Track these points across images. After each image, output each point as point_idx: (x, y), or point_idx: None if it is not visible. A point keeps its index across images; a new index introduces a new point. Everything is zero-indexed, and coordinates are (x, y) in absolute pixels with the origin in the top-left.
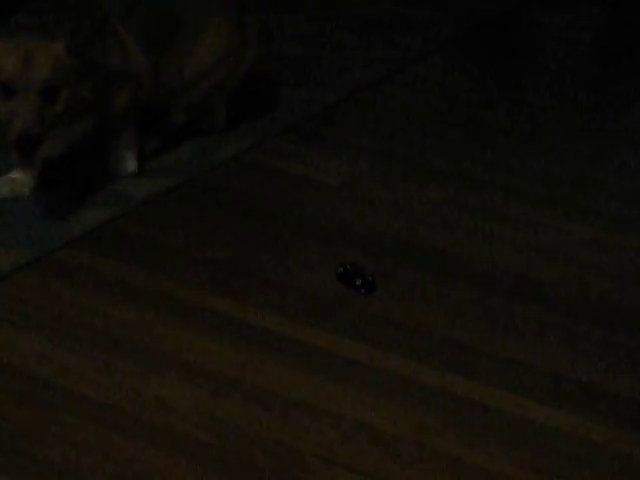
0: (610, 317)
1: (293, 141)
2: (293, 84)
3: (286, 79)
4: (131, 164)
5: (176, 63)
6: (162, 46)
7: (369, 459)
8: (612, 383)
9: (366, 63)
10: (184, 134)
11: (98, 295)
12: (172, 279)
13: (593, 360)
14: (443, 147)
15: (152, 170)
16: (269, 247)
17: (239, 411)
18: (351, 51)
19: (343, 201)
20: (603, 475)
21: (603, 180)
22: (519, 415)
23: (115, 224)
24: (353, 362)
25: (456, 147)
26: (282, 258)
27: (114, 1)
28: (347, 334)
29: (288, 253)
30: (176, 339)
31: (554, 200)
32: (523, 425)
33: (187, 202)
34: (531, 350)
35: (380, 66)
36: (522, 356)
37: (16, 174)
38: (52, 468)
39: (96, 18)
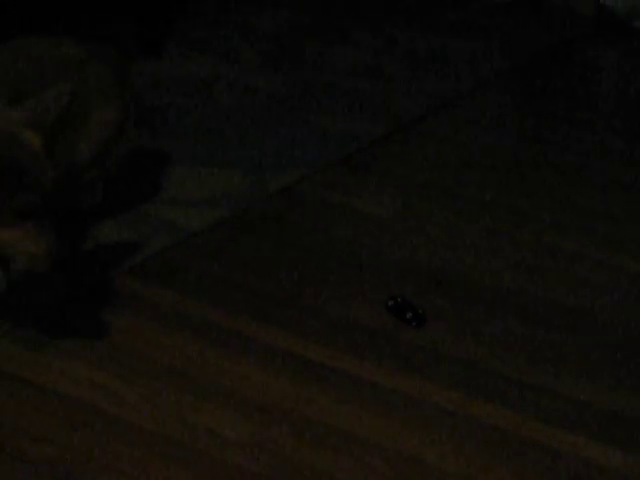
0: None
1: (344, 173)
2: (344, 116)
3: (338, 111)
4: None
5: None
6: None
7: None
8: None
9: (416, 96)
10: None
11: (149, 324)
12: (223, 310)
13: None
14: (493, 180)
15: (203, 201)
16: (320, 279)
17: (289, 443)
18: (402, 84)
19: (393, 233)
20: None
21: None
22: (571, 454)
23: (168, 254)
24: (402, 394)
25: (506, 181)
26: (333, 290)
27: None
28: (396, 366)
29: (338, 285)
30: (227, 370)
31: (603, 234)
32: (576, 464)
33: (239, 233)
34: (585, 387)
35: (430, 99)
36: (576, 392)
37: None
38: None
39: None
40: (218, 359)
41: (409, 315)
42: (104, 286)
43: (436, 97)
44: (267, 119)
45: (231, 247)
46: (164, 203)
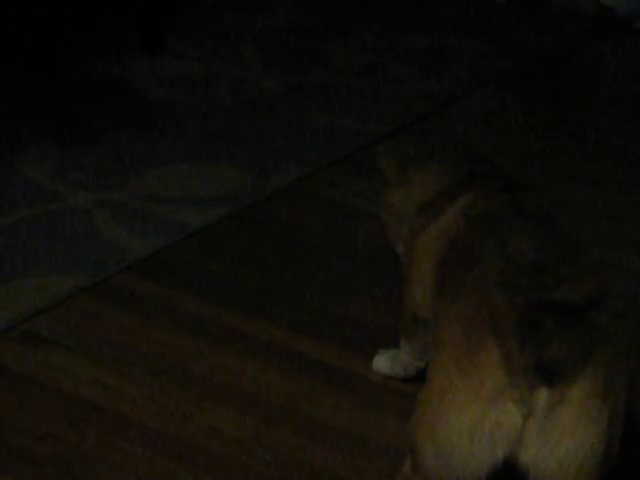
0: None
1: (345, 171)
2: (343, 115)
3: (340, 109)
4: None
5: None
6: None
7: None
8: None
9: (419, 94)
10: None
11: (152, 322)
12: (224, 307)
13: None
14: None
15: (205, 199)
16: (321, 277)
17: (291, 441)
18: (404, 83)
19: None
20: None
21: None
22: None
23: (169, 252)
24: (399, 392)
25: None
26: (333, 288)
27: None
28: None
29: (338, 283)
30: (228, 367)
31: (603, 233)
32: None
33: (240, 231)
34: None
35: (433, 97)
36: None
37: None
38: None
39: None
40: (218, 356)
41: None
42: (104, 284)
43: (437, 96)
44: (268, 117)
45: (231, 245)
46: (165, 201)
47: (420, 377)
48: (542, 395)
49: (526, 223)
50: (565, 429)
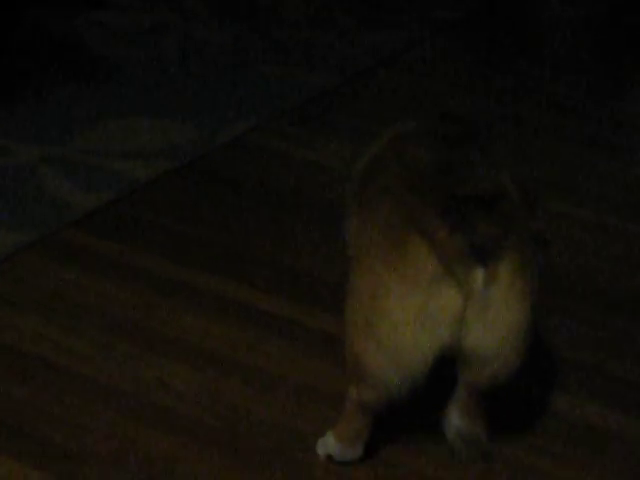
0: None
1: (293, 124)
2: (292, 67)
3: (288, 62)
4: None
5: None
6: None
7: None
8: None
9: (368, 46)
10: None
11: (98, 276)
12: (173, 261)
13: None
14: None
15: (152, 152)
16: (270, 230)
17: (240, 393)
18: (352, 34)
19: (342, 184)
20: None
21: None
22: None
23: (116, 206)
24: None
25: None
26: (283, 241)
27: None
28: None
29: (289, 236)
30: (176, 321)
31: (550, 182)
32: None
33: (188, 184)
34: None
35: (380, 49)
36: None
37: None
38: (54, 449)
39: None
40: (168, 311)
41: None
42: (51, 239)
43: (386, 47)
44: (216, 69)
45: (179, 198)
46: (112, 155)
47: None
48: (479, 275)
49: (428, 139)
50: (499, 307)
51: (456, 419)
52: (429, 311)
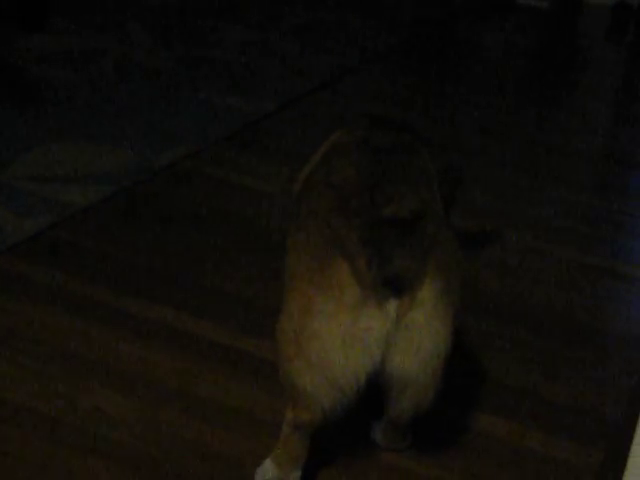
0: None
1: (230, 149)
2: (232, 92)
3: (225, 87)
4: None
5: None
6: None
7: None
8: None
9: (304, 71)
10: None
11: (33, 303)
12: (109, 288)
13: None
14: None
15: (88, 177)
16: (206, 255)
17: (178, 420)
18: (289, 59)
19: (279, 207)
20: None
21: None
22: None
23: (52, 232)
24: None
25: None
26: (219, 266)
27: None
28: None
29: (225, 261)
30: (113, 348)
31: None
32: None
33: (125, 210)
34: None
35: (318, 75)
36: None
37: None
38: None
39: None
40: (104, 338)
41: None
42: None
43: (324, 73)
44: (154, 95)
45: (115, 224)
46: (46, 180)
47: None
48: (392, 306)
49: (358, 153)
50: (421, 330)
51: (379, 438)
52: (355, 331)
